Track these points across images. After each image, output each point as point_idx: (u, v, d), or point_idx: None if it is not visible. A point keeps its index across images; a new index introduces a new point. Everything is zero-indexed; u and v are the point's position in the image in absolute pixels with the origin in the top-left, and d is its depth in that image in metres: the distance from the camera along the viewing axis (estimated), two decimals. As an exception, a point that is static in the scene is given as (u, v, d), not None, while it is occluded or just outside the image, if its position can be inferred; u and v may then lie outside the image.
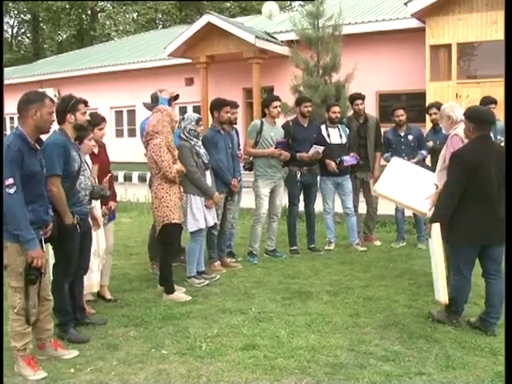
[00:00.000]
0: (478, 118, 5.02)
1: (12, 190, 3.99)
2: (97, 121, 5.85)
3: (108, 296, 6.15)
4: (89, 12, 44.05)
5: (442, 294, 5.03)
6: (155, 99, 7.00)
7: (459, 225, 4.94)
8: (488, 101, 7.83)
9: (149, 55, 22.51)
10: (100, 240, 5.71)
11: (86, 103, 4.94)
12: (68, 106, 4.83)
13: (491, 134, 5.52)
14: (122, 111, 22.96)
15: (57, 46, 42.46)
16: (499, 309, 4.92)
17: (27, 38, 49.17)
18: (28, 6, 42.72)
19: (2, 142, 4.07)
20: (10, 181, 3.98)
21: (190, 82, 20.71)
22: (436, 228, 5.04)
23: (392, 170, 7.31)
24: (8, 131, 24.95)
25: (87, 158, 5.41)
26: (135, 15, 41.88)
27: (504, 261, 4.68)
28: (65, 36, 44.42)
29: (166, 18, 41.92)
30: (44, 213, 4.31)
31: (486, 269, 5.05)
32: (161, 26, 41.24)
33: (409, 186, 6.92)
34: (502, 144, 7.63)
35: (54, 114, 4.54)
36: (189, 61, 19.51)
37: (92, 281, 5.64)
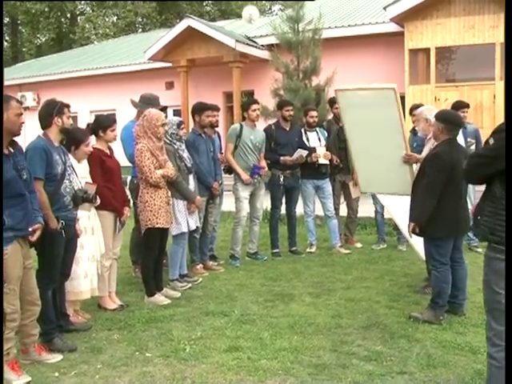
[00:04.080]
0: (448, 119, 5.37)
1: None
2: (109, 122, 5.88)
3: (115, 303, 6.04)
4: (68, 15, 43.75)
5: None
6: (144, 100, 7.07)
7: (440, 220, 5.27)
8: (461, 105, 7.95)
9: (129, 59, 22.46)
10: (99, 244, 5.57)
11: (69, 107, 4.94)
12: (54, 109, 4.82)
13: (462, 137, 5.77)
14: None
15: (36, 49, 42.03)
16: (465, 290, 5.62)
17: (6, 41, 48.70)
18: (7, 8, 42.32)
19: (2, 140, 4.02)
20: None
21: (170, 85, 20.71)
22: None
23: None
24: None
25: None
26: (115, 19, 41.69)
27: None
28: (44, 39, 44.06)
29: (146, 21, 41.75)
30: (24, 217, 4.19)
31: (452, 258, 5.47)
32: (140, 30, 41.10)
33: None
34: (472, 147, 7.81)
35: (37, 118, 4.52)
36: (169, 65, 19.50)
37: (80, 288, 5.39)
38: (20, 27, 45.31)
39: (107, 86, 22.07)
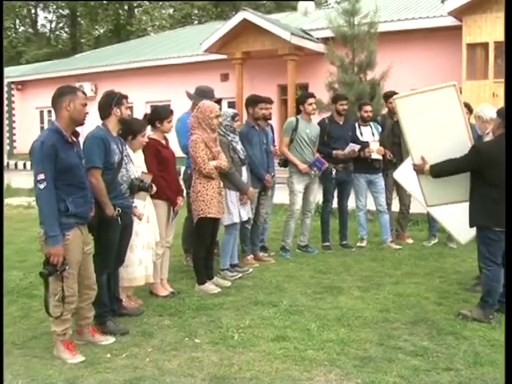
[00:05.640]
0: (506, 115, 5.23)
1: (42, 186, 4.10)
2: (166, 114, 6.00)
3: (167, 290, 6.18)
4: (126, 7, 44.49)
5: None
6: (198, 92, 7.18)
7: (481, 209, 5.23)
8: None
9: (185, 51, 22.73)
10: (154, 232, 5.72)
11: (127, 98, 5.09)
12: (114, 100, 4.97)
13: None
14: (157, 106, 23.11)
15: (94, 40, 42.93)
16: None
17: (65, 32, 49.81)
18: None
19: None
20: (41, 176, 4.09)
21: (225, 77, 20.89)
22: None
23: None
24: (45, 124, 25.39)
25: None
26: (171, 10, 42.23)
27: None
28: (102, 31, 44.97)
29: (202, 13, 42.17)
30: (85, 204, 4.40)
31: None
32: (196, 22, 41.51)
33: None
34: None
35: (97, 109, 4.67)
36: (224, 57, 19.66)
37: (134, 275, 5.54)
38: (79, 19, 46.26)
39: (163, 77, 22.39)
